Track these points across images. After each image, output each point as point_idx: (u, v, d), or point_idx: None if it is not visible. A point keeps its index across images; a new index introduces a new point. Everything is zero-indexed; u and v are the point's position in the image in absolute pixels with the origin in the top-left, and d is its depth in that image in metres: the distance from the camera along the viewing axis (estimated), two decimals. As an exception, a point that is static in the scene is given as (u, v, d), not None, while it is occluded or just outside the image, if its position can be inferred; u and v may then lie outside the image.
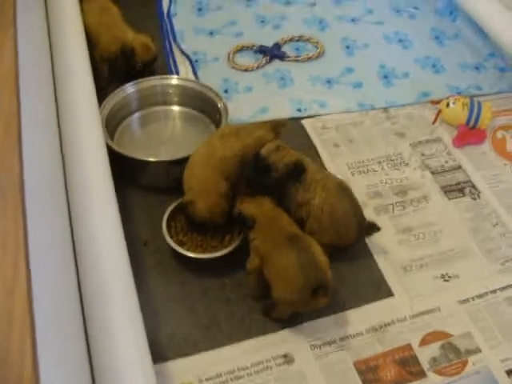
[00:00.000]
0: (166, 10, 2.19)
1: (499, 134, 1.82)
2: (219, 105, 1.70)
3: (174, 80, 1.79)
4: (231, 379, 1.29)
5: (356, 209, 1.46)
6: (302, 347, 1.35)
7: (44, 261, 1.14)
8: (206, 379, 1.29)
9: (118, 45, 1.83)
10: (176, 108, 1.81)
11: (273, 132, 1.53)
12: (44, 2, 1.83)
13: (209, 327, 1.38)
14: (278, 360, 1.33)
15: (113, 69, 1.86)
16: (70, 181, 1.41)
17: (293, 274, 1.28)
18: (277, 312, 1.37)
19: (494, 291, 1.47)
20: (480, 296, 1.45)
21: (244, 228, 1.42)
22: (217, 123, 1.70)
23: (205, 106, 1.76)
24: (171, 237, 1.47)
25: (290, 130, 1.76)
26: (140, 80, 1.77)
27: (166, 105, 1.80)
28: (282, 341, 1.36)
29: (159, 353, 1.31)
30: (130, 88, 1.75)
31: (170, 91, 1.79)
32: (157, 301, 1.42)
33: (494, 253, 1.54)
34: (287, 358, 1.33)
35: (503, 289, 1.47)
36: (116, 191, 1.40)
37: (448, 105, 1.80)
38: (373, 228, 1.46)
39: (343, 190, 1.46)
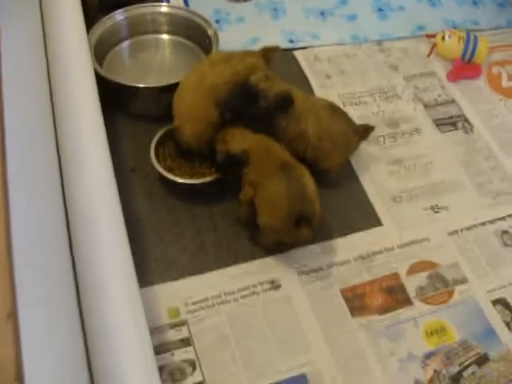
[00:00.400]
0: None
1: (495, 70, 1.78)
2: (209, 32, 1.65)
3: (163, 8, 1.73)
4: (218, 303, 1.29)
5: (351, 123, 1.45)
6: (289, 273, 1.34)
7: (27, 192, 1.12)
8: (193, 303, 1.28)
9: None
10: (166, 36, 1.75)
11: (264, 58, 1.48)
12: None
13: (196, 252, 1.37)
14: (264, 285, 1.32)
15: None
16: (57, 106, 1.38)
17: (279, 202, 1.26)
18: (263, 239, 1.36)
19: (483, 223, 1.46)
20: (469, 228, 1.45)
21: (237, 168, 1.36)
22: (207, 51, 1.65)
23: (195, 34, 1.71)
24: (159, 162, 1.44)
25: (281, 60, 1.74)
26: (129, 8, 1.71)
27: (156, 33, 1.75)
28: (269, 267, 1.35)
29: (145, 277, 1.30)
30: (118, 15, 1.69)
31: (160, 19, 1.73)
32: (144, 226, 1.40)
33: (485, 186, 1.53)
34: (274, 284, 1.33)
35: (492, 221, 1.47)
36: (105, 120, 1.36)
37: (443, 38, 1.76)
38: (368, 130, 1.46)
39: (334, 110, 1.44)
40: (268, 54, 1.49)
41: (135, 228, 1.39)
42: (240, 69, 1.45)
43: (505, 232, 1.45)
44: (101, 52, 1.65)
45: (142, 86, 1.53)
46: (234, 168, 1.37)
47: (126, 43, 1.73)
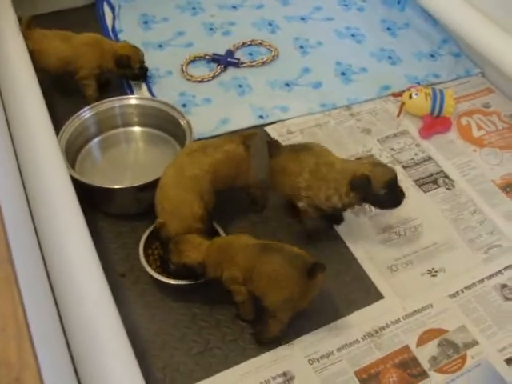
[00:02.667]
0: (110, 27, 2.12)
1: (464, 121, 1.81)
2: (182, 122, 1.64)
3: (132, 100, 1.72)
4: (232, 407, 1.25)
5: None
6: (300, 363, 1.31)
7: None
8: (206, 407, 1.25)
9: (110, 57, 1.78)
10: (137, 129, 1.74)
11: (243, 144, 1.48)
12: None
13: (202, 354, 1.33)
14: (278, 379, 1.29)
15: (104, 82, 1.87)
16: (38, 220, 1.34)
17: (283, 272, 1.24)
18: (272, 329, 1.31)
19: (481, 281, 1.46)
20: (468, 287, 1.45)
21: (196, 277, 1.35)
22: (181, 141, 1.64)
23: (167, 125, 1.70)
24: (150, 265, 1.41)
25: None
26: (96, 103, 1.70)
27: (126, 126, 1.74)
28: (279, 359, 1.32)
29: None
30: (86, 113, 1.67)
31: (129, 112, 1.72)
32: (144, 333, 1.36)
33: (476, 242, 1.53)
34: (287, 376, 1.30)
35: (490, 277, 1.47)
36: (87, 223, 1.34)
37: (410, 96, 1.78)
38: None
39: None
40: (246, 139, 1.49)
41: (134, 336, 1.33)
42: (218, 157, 1.45)
43: (504, 286, 1.45)
44: (72, 152, 1.63)
45: (118, 187, 1.50)
46: (194, 277, 1.35)
47: (96, 140, 1.71)
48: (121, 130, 1.74)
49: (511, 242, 1.53)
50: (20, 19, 1.84)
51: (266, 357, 1.32)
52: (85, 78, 1.79)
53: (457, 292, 1.44)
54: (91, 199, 1.53)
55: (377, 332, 1.37)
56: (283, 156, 1.45)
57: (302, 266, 1.24)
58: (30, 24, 1.81)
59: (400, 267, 1.48)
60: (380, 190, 1.36)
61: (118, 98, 1.73)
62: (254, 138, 1.51)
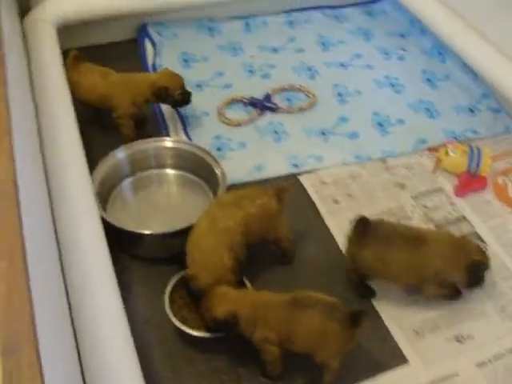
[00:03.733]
0: (150, 63, 2.15)
1: (500, 180, 1.78)
2: (216, 170, 1.65)
3: (167, 142, 1.74)
4: None
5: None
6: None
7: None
8: None
9: (148, 91, 1.79)
10: (170, 171, 1.76)
11: (276, 197, 1.48)
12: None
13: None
14: None
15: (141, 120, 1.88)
16: (66, 260, 1.35)
17: (325, 329, 1.24)
18: (327, 378, 1.31)
19: (511, 350, 1.43)
20: (497, 357, 1.41)
21: (231, 329, 1.32)
22: (214, 188, 1.65)
23: (200, 170, 1.71)
24: (174, 314, 1.41)
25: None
26: (131, 144, 1.72)
27: (160, 168, 1.75)
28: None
29: None
30: (120, 153, 1.69)
31: (164, 154, 1.74)
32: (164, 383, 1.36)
33: (508, 309, 1.50)
34: None
35: (520, 346, 1.44)
36: (114, 263, 1.36)
37: (447, 153, 1.77)
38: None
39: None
40: (280, 193, 1.49)
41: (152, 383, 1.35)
42: (251, 210, 1.45)
43: (536, 356, 1.41)
44: (104, 191, 1.64)
45: (147, 232, 1.51)
46: (228, 330, 1.32)
47: (129, 180, 1.73)
48: (154, 171, 1.75)
49: (543, 313, 1.50)
50: (67, 51, 1.88)
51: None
52: (121, 118, 1.81)
53: (484, 362, 1.40)
54: (120, 240, 1.54)
55: (399, 399, 1.35)
56: (396, 247, 1.43)
57: (343, 317, 1.24)
58: (76, 57, 1.85)
59: (426, 331, 1.45)
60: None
61: (153, 139, 1.75)
62: (287, 192, 1.51)
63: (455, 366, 1.39)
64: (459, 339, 1.44)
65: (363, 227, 1.44)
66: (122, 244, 1.56)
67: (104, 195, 1.64)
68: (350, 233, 1.47)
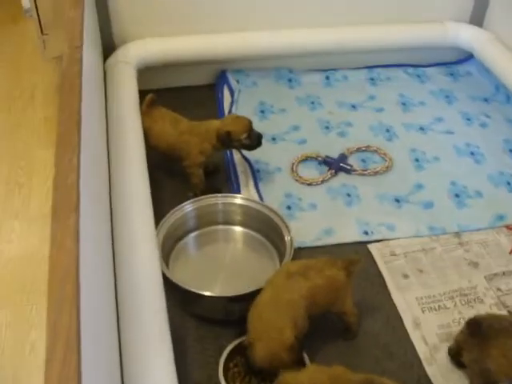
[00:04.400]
0: (227, 110, 2.16)
1: None
2: (285, 234, 1.62)
3: (237, 199, 1.73)
4: None
5: None
6: None
7: None
8: None
9: (213, 137, 1.78)
10: (238, 229, 1.75)
11: (345, 271, 1.44)
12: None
13: None
14: None
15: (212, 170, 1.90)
16: (123, 316, 1.35)
17: None
18: None
19: None
20: None
21: None
22: (280, 252, 1.63)
23: (268, 231, 1.69)
24: (228, 382, 1.38)
25: (353, 254, 1.69)
26: (199, 198, 1.72)
27: (227, 225, 1.75)
28: None
29: None
30: (188, 206, 1.69)
31: (232, 210, 1.73)
32: None
33: None
34: None
35: None
36: (170, 320, 1.34)
37: (526, 234, 1.69)
38: None
39: None
40: (350, 266, 1.45)
41: None
42: (318, 282, 1.41)
43: None
44: (169, 244, 1.65)
45: (208, 294, 1.49)
46: None
47: (194, 234, 1.73)
48: (220, 227, 1.75)
49: None
50: (145, 92, 1.92)
51: None
52: (190, 167, 1.81)
53: None
54: (179, 297, 1.54)
55: None
56: None
57: None
58: (151, 101, 1.87)
59: None
60: None
61: (222, 195, 1.75)
62: (357, 265, 1.47)
63: None
64: None
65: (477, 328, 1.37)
66: (181, 301, 1.55)
67: (168, 248, 1.65)
68: (462, 337, 1.40)
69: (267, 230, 1.70)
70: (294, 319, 1.38)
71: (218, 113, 2.17)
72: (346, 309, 1.48)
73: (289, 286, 1.41)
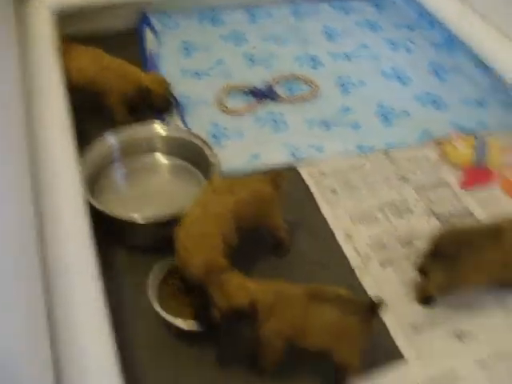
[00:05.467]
0: (149, 52, 2.09)
1: (509, 174, 1.70)
2: (209, 156, 1.58)
3: (158, 127, 1.68)
4: None
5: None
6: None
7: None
8: None
9: (133, 86, 1.76)
10: (162, 157, 1.70)
11: (271, 184, 1.41)
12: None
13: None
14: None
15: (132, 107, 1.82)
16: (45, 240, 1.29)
17: (344, 324, 1.17)
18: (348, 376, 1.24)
19: (513, 351, 1.34)
20: (501, 357, 1.31)
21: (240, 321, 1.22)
22: (207, 175, 1.58)
23: (193, 156, 1.65)
24: (160, 303, 1.33)
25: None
26: (122, 129, 1.66)
27: (151, 153, 1.69)
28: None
29: None
30: (110, 137, 1.63)
31: (155, 139, 1.68)
32: (146, 377, 1.28)
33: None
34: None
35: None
36: (101, 253, 1.31)
37: (453, 146, 1.69)
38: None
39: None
40: (276, 179, 1.42)
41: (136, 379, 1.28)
42: (244, 196, 1.38)
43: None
44: (93, 176, 1.58)
45: (138, 221, 1.44)
46: (238, 321, 1.22)
47: (118, 166, 1.67)
48: (145, 156, 1.69)
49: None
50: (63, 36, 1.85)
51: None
52: (112, 103, 1.77)
53: (487, 362, 1.30)
54: (107, 227, 1.48)
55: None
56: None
57: (359, 310, 1.17)
58: (67, 41, 1.82)
59: (425, 327, 1.36)
60: None
61: (143, 123, 1.69)
62: (283, 178, 1.44)
63: (453, 364, 1.30)
64: (461, 337, 1.36)
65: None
66: (109, 231, 1.49)
67: (92, 180, 1.57)
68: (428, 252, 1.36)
69: (191, 155, 1.65)
70: (222, 230, 1.34)
71: (140, 56, 2.09)
72: (275, 223, 1.46)
73: (215, 201, 1.37)
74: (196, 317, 1.26)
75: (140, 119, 1.76)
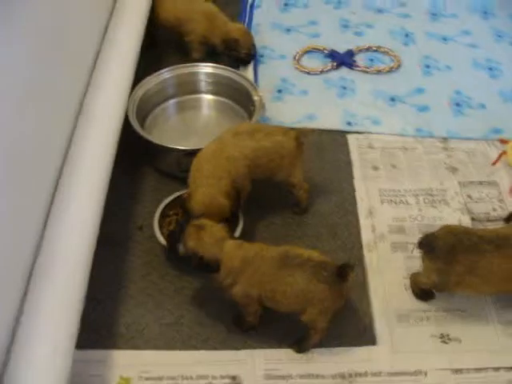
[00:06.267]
0: (250, 0, 2.13)
1: None
2: (255, 97, 1.62)
3: (210, 68, 1.74)
4: (170, 386, 1.22)
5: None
6: (256, 374, 1.23)
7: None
8: (147, 378, 1.22)
9: (220, 36, 1.82)
10: (211, 97, 1.76)
11: (295, 140, 1.40)
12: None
13: (170, 326, 1.31)
14: (224, 380, 1.22)
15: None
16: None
17: (313, 289, 1.17)
18: (314, 338, 1.24)
19: (497, 369, 1.24)
20: (479, 370, 1.24)
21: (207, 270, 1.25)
22: (251, 116, 1.61)
23: (240, 97, 1.69)
24: (162, 227, 1.41)
25: (332, 142, 1.66)
26: (177, 66, 1.73)
27: (202, 93, 1.76)
28: (238, 361, 1.25)
29: (111, 340, 1.27)
30: (166, 73, 1.72)
31: (207, 80, 1.75)
32: (131, 287, 1.37)
33: (509, 326, 1.30)
34: (235, 381, 1.22)
35: (509, 369, 1.24)
36: (130, 172, 1.47)
37: (514, 146, 1.57)
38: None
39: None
40: (300, 136, 1.41)
41: (121, 287, 1.37)
42: (265, 144, 1.39)
43: (521, 385, 1.22)
44: (146, 108, 1.68)
45: (164, 145, 1.52)
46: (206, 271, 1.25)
47: (172, 101, 1.75)
48: (196, 95, 1.76)
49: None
50: None
51: (227, 354, 1.26)
52: (192, 41, 1.84)
53: (462, 370, 1.24)
54: (143, 151, 1.58)
55: (350, 376, 1.23)
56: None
57: (330, 275, 1.16)
58: None
59: (411, 320, 1.30)
60: None
61: (196, 64, 1.75)
62: (308, 136, 1.43)
63: (427, 364, 1.24)
64: (444, 339, 1.28)
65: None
66: (143, 155, 1.60)
67: (146, 111, 1.68)
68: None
69: (237, 95, 1.71)
70: (232, 174, 1.37)
71: (240, 3, 2.12)
72: (293, 180, 1.45)
73: (233, 143, 1.40)
74: (167, 246, 1.34)
75: (215, 62, 1.80)
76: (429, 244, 1.25)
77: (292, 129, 1.43)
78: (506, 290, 1.29)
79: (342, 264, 1.17)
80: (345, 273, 1.16)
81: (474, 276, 1.24)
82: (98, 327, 1.30)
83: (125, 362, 1.25)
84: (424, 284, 1.31)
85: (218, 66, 1.74)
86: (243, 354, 1.26)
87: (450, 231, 1.25)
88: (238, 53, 1.82)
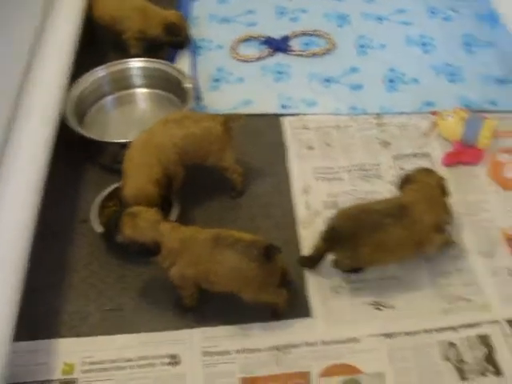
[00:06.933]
0: (188, -4, 2.16)
1: (499, 157, 1.58)
2: (185, 85, 1.66)
3: (140, 63, 1.78)
4: (113, 368, 1.24)
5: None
6: (194, 352, 1.26)
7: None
8: (90, 363, 1.25)
9: (159, 24, 1.84)
10: (145, 90, 1.80)
11: (223, 125, 1.43)
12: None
13: (112, 312, 1.34)
14: (164, 359, 1.26)
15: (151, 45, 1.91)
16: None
17: (244, 267, 1.20)
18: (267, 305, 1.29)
19: (429, 331, 1.28)
20: (410, 333, 1.27)
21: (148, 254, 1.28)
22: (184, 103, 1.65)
23: (173, 87, 1.73)
24: (102, 217, 1.44)
25: (266, 125, 1.69)
26: (110, 64, 1.77)
27: (136, 87, 1.80)
28: (177, 340, 1.28)
29: (54, 328, 1.30)
30: (100, 71, 1.75)
31: (139, 74, 1.79)
32: (74, 277, 1.40)
33: (445, 288, 1.34)
34: (175, 359, 1.25)
35: (441, 330, 1.28)
36: (74, 169, 1.52)
37: (444, 117, 1.60)
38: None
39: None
40: (228, 121, 1.44)
41: (65, 277, 1.40)
42: (193, 130, 1.43)
43: (452, 345, 1.25)
44: (83, 106, 1.72)
45: (96, 139, 1.56)
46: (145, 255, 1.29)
47: (109, 98, 1.79)
48: (131, 90, 1.80)
49: (485, 301, 1.31)
50: None
51: (166, 335, 1.29)
52: (129, 38, 1.86)
53: (394, 333, 1.27)
54: (81, 148, 1.61)
55: (286, 348, 1.26)
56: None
57: (259, 254, 1.20)
58: None
59: (345, 291, 1.34)
60: None
61: (126, 60, 1.79)
62: (237, 121, 1.46)
63: (359, 331, 1.28)
64: (377, 306, 1.32)
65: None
66: (82, 150, 1.62)
67: (83, 109, 1.71)
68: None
69: (170, 86, 1.74)
70: (162, 162, 1.40)
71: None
72: (224, 164, 1.49)
73: (162, 132, 1.43)
74: (105, 236, 1.37)
75: (153, 56, 1.83)
76: (331, 239, 1.29)
77: (220, 115, 1.47)
78: (407, 255, 1.34)
79: (267, 245, 1.20)
80: (271, 253, 1.20)
81: (382, 251, 1.28)
82: (42, 317, 1.33)
83: (68, 349, 1.28)
84: (341, 268, 1.35)
85: (148, 59, 1.78)
86: (182, 333, 1.29)
87: (346, 217, 1.30)
88: (180, 37, 1.85)
